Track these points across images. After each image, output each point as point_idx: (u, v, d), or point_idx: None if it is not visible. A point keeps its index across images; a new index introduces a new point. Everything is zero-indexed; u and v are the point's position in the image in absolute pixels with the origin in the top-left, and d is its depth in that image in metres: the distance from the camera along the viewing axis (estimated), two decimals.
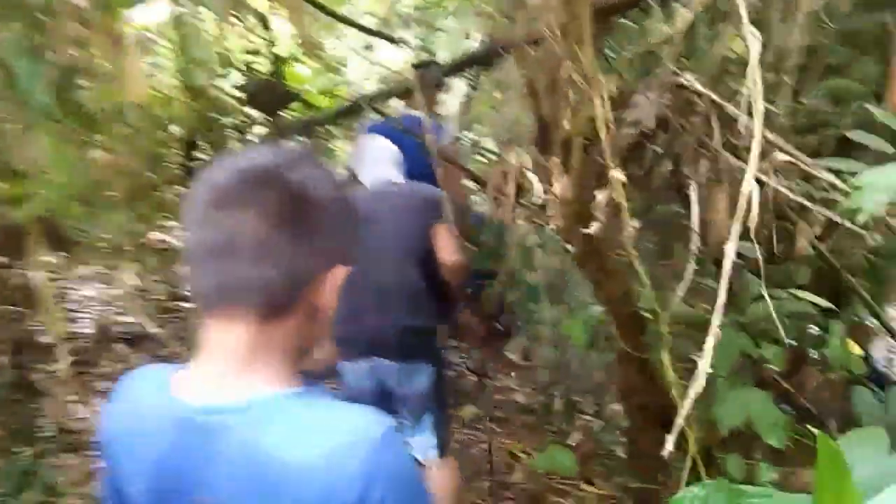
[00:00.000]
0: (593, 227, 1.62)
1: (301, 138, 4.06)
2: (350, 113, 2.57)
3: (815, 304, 2.11)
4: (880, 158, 1.68)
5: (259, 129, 3.28)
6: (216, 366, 0.76)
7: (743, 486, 0.90)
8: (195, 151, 2.97)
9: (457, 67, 2.27)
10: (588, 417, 3.21)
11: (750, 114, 1.59)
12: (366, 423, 0.72)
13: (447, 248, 2.46)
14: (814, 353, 2.37)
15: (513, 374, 4.07)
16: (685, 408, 1.24)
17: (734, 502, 0.89)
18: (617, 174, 1.42)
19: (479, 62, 2.22)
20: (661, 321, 1.51)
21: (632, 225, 1.47)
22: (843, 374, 2.17)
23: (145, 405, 0.80)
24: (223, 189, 0.75)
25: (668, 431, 2.48)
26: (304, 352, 0.81)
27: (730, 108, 1.73)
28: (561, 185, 1.47)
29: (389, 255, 2.40)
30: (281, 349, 0.77)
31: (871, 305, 2.33)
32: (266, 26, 2.99)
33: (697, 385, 1.15)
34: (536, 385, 3.56)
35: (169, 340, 3.45)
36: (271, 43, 2.79)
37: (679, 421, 1.28)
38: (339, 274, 0.80)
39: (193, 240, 0.76)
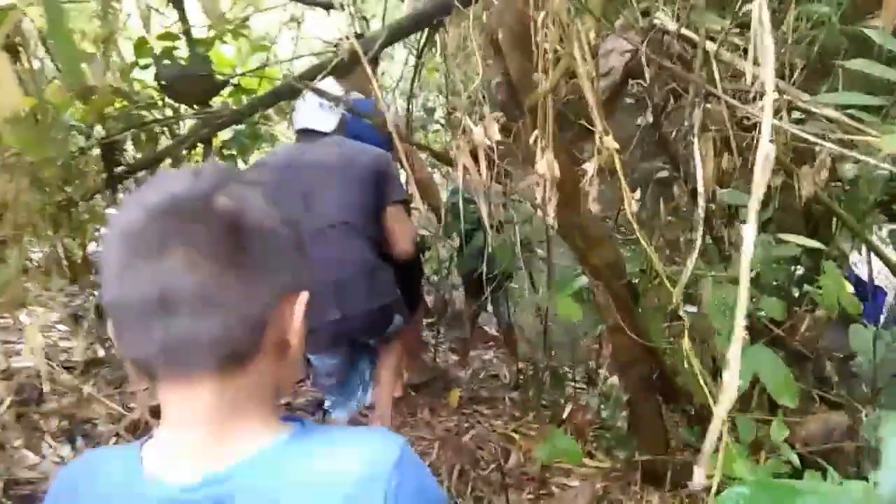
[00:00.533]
0: (587, 202, 1.43)
1: (239, 127, 3.77)
2: (286, 95, 2.30)
3: (799, 245, 2.00)
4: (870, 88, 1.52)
5: (189, 123, 2.99)
6: (191, 434, 0.67)
7: (792, 483, 0.79)
8: (119, 155, 2.66)
9: (402, 32, 2.01)
10: (579, 389, 3.08)
11: (744, 54, 1.40)
12: (378, 449, 0.67)
13: (403, 236, 2.36)
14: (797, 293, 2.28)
15: (492, 349, 3.92)
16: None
17: (786, 501, 0.77)
18: (609, 141, 1.23)
19: (427, 23, 1.97)
20: (676, 294, 1.32)
21: (632, 196, 1.28)
22: (831, 311, 2.08)
23: (117, 496, 0.68)
24: (141, 232, 0.64)
25: (669, 401, 2.37)
26: (282, 390, 0.74)
27: (714, 48, 1.54)
28: (547, 163, 1.26)
29: (341, 236, 2.27)
30: (256, 397, 0.69)
31: (860, 234, 2.26)
32: (181, 12, 2.67)
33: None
34: (519, 359, 3.40)
35: (123, 363, 3.18)
36: (186, 24, 2.47)
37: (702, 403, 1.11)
38: (300, 299, 0.71)
39: (117, 298, 0.65)
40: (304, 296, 0.71)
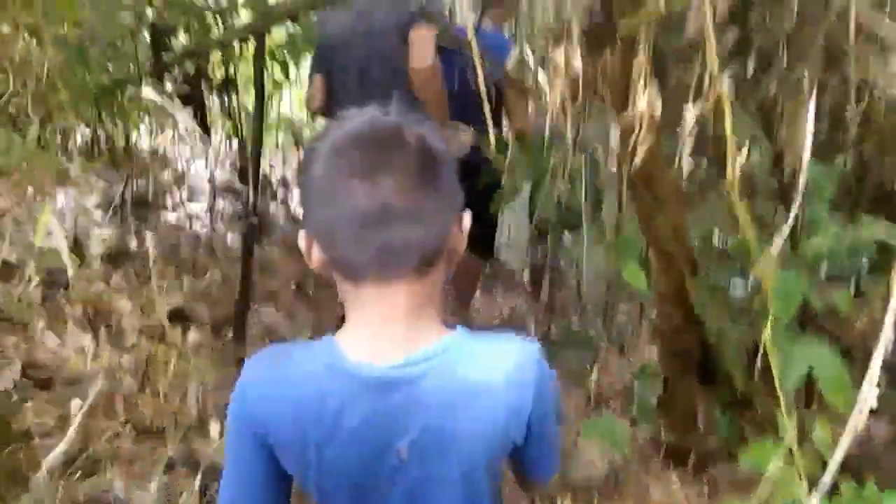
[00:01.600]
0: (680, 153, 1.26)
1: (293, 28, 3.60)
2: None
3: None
4: None
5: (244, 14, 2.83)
6: (392, 327, 0.81)
7: None
8: (169, 42, 2.53)
9: None
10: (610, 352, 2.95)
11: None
12: (522, 348, 0.86)
13: (421, 53, 2.16)
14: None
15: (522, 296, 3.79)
16: None
17: None
18: (724, 85, 1.05)
19: None
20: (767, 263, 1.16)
21: (738, 158, 1.11)
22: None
23: (319, 377, 0.81)
24: (351, 158, 0.77)
25: (706, 382, 2.23)
26: (439, 300, 0.86)
27: None
28: (647, 100, 1.09)
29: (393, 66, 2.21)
30: (433, 298, 0.84)
31: None
32: None
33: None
34: (551, 312, 3.28)
35: (154, 257, 3.13)
36: None
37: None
38: (466, 219, 0.85)
39: (334, 213, 0.77)
40: (468, 215, 0.85)
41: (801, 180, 1.37)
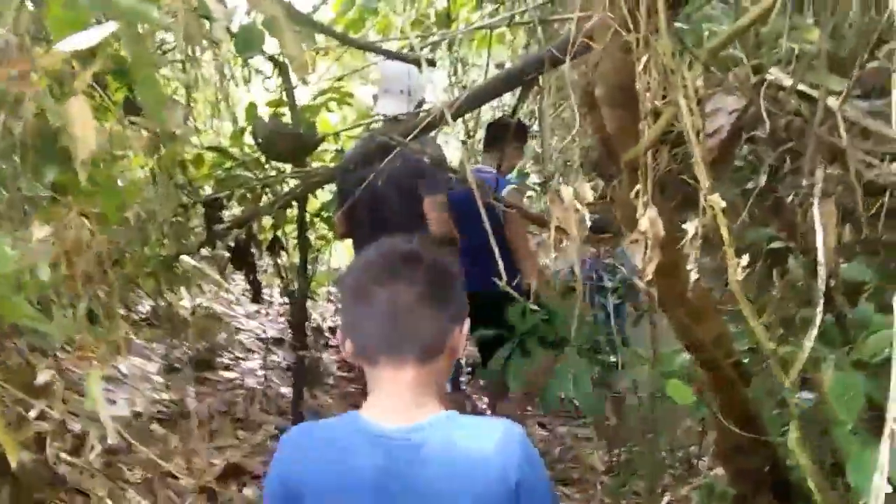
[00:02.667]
0: (689, 266, 1.29)
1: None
2: (381, 153, 2.30)
3: None
4: None
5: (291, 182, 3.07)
6: (397, 400, 1.00)
7: None
8: (220, 213, 2.74)
9: (493, 92, 1.97)
10: (678, 476, 2.81)
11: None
12: (508, 426, 1.00)
13: (436, 220, 2.61)
14: None
15: (566, 424, 3.68)
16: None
17: None
18: (715, 199, 1.10)
19: (518, 82, 1.91)
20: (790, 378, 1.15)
21: (737, 261, 1.14)
22: None
23: (341, 434, 1.02)
24: (377, 269, 1.02)
25: (782, 500, 2.09)
26: (442, 388, 1.09)
27: (837, 104, 1.40)
28: (649, 220, 1.15)
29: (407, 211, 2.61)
30: (433, 382, 1.03)
31: None
32: (285, 77, 2.77)
33: None
34: (609, 439, 3.17)
35: (208, 415, 3.20)
36: (288, 85, 2.55)
37: None
38: (466, 323, 1.06)
39: (361, 311, 1.01)
40: (467, 320, 1.06)
41: (825, 278, 1.38)
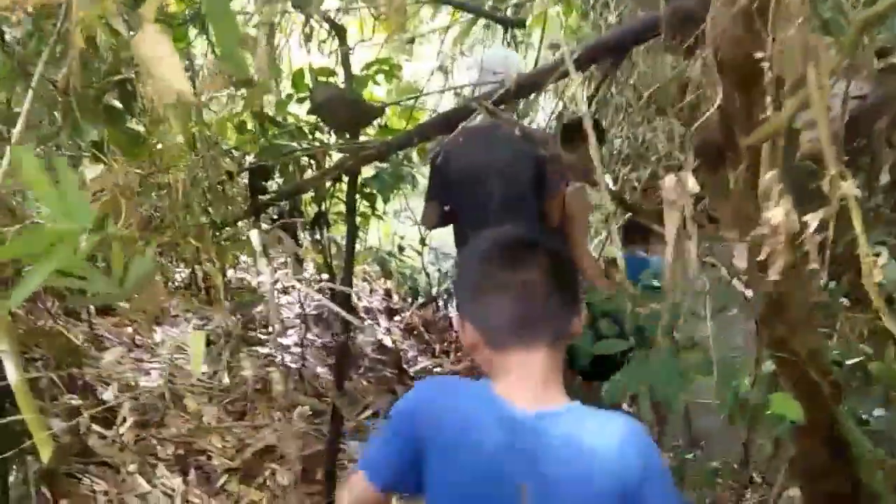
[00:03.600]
0: (806, 265, 1.11)
1: (381, 165, 3.71)
2: (438, 128, 2.14)
3: None
4: None
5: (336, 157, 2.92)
6: (528, 384, 1.01)
7: None
8: (265, 183, 2.61)
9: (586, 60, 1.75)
10: (737, 491, 2.63)
11: None
12: (632, 424, 1.01)
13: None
14: None
15: None
16: None
17: None
18: (850, 187, 0.92)
19: (612, 51, 1.70)
20: None
21: (873, 258, 0.96)
22: None
23: (476, 410, 1.01)
24: (504, 254, 1.05)
25: None
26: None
27: None
28: (784, 212, 0.98)
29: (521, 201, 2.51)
30: (558, 367, 1.04)
31: None
32: (343, 40, 2.61)
33: None
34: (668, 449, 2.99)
35: (249, 392, 3.10)
36: (344, 47, 2.39)
37: None
38: (584, 309, 1.09)
39: (488, 297, 1.02)
40: (584, 304, 1.10)
41: None
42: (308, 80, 2.86)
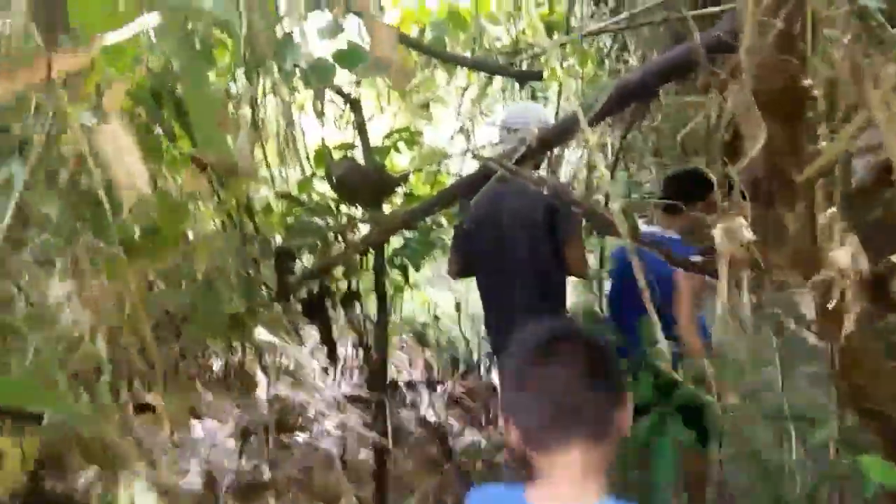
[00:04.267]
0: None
1: (408, 234, 3.66)
2: (464, 190, 2.07)
3: None
4: None
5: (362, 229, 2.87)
6: (563, 486, 0.98)
7: None
8: (292, 264, 2.55)
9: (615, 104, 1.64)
10: None
11: None
12: None
13: (578, 265, 2.60)
14: None
15: None
16: None
17: None
18: None
19: (635, 95, 1.60)
20: None
21: None
22: None
23: None
24: (539, 349, 1.03)
25: None
26: (604, 473, 1.02)
27: None
28: (850, 252, 0.86)
29: (528, 270, 2.60)
30: (601, 467, 1.00)
31: None
32: (358, 112, 2.59)
33: None
34: None
35: (284, 486, 2.97)
36: (360, 118, 2.35)
37: None
38: (629, 402, 1.04)
39: (523, 393, 1.01)
40: (630, 395, 1.02)
41: None
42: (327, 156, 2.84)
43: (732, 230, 1.01)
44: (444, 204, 2.22)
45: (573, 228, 2.55)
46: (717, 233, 1.01)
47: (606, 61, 4.08)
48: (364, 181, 2.14)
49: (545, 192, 2.29)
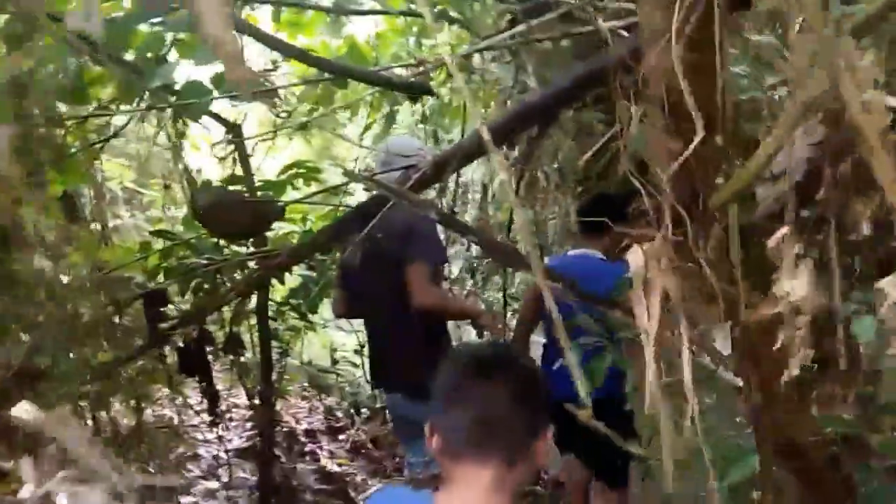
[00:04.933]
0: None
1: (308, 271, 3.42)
2: (355, 223, 1.90)
3: None
4: None
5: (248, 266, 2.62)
6: (471, 498, 1.01)
7: None
8: (163, 307, 2.27)
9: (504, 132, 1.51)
10: None
11: None
12: None
13: (419, 291, 2.33)
14: None
15: None
16: None
17: None
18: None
19: (537, 119, 1.49)
20: None
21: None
22: None
23: None
24: (475, 367, 1.07)
25: None
26: (516, 499, 1.05)
27: None
28: (801, 283, 0.74)
29: (390, 283, 2.37)
30: (511, 490, 1.03)
31: None
32: (238, 137, 2.37)
33: None
34: None
35: None
36: (242, 156, 2.14)
37: None
38: (548, 434, 1.08)
39: (452, 403, 1.05)
40: (550, 429, 1.08)
41: None
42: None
43: (654, 252, 0.88)
44: (336, 238, 2.02)
45: (416, 253, 2.32)
46: (633, 258, 0.88)
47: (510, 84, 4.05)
48: (236, 213, 1.91)
49: (415, 222, 2.25)
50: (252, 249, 2.27)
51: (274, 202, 2.10)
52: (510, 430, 1.01)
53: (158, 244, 3.04)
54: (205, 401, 3.22)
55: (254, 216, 1.93)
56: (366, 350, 4.39)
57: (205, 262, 2.28)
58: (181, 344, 2.40)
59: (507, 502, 1.01)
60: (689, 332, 1.10)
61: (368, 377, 2.81)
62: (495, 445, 1.00)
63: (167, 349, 2.69)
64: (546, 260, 3.46)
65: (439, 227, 2.58)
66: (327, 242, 2.10)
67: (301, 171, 3.08)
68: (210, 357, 2.64)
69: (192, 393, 3.74)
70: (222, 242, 2.72)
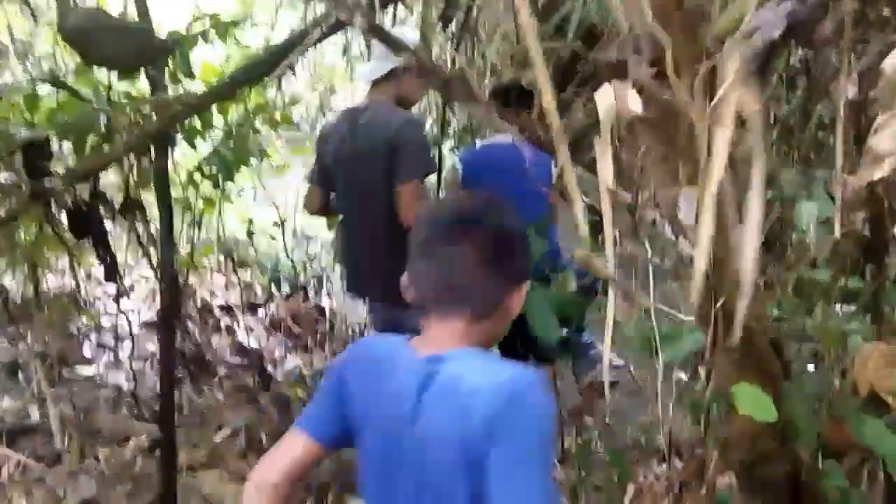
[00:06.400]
0: None
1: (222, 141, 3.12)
2: (263, 67, 1.65)
3: None
4: None
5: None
6: (437, 338, 1.07)
7: None
8: (47, 162, 1.99)
9: None
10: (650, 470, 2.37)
11: None
12: (520, 371, 1.00)
13: (407, 210, 2.27)
14: None
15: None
16: None
17: None
18: None
19: None
20: None
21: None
22: None
23: (387, 354, 1.11)
24: (444, 225, 1.08)
25: None
26: (490, 345, 1.12)
27: None
28: None
29: (377, 192, 2.31)
30: (478, 342, 1.07)
31: None
32: None
33: None
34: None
35: (57, 433, 2.47)
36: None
37: None
38: (524, 288, 1.11)
39: (421, 260, 1.08)
40: (526, 285, 1.10)
41: None
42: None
43: (621, 97, 0.72)
44: (245, 83, 1.77)
45: (409, 172, 2.25)
46: (601, 98, 0.73)
47: None
48: (118, 37, 1.62)
49: (402, 126, 2.23)
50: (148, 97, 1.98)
51: (158, 35, 1.79)
52: (473, 291, 1.04)
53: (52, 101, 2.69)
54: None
55: (137, 46, 1.64)
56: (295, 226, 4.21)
57: (94, 109, 1.98)
58: (70, 204, 2.13)
59: (476, 347, 1.06)
60: (653, 197, 0.99)
61: (346, 287, 2.62)
62: (458, 303, 1.04)
63: (62, 213, 2.43)
64: (460, 153, 3.41)
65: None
66: (234, 88, 1.84)
67: (214, 25, 2.73)
68: (109, 222, 2.39)
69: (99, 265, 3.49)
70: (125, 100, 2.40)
